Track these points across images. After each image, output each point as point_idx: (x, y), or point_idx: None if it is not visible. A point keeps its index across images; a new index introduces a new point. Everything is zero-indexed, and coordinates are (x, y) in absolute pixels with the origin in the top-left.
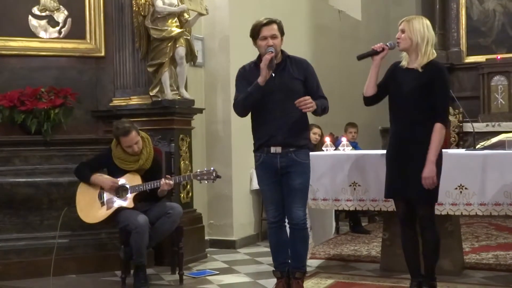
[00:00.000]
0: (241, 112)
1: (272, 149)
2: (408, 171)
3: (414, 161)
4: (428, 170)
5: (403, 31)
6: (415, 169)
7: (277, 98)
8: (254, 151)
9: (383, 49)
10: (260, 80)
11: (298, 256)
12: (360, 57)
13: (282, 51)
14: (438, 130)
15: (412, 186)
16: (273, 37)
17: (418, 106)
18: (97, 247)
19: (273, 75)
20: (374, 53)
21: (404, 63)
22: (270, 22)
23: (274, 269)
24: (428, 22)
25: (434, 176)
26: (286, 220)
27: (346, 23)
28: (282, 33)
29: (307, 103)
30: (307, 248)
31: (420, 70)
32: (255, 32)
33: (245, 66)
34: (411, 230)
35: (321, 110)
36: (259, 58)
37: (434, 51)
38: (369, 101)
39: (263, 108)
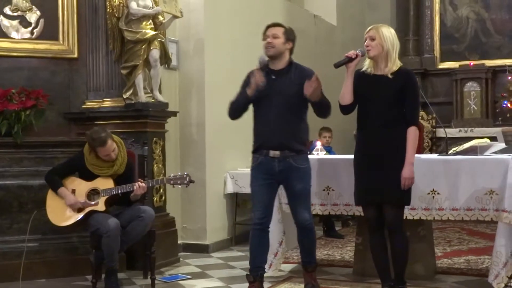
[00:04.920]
0: (231, 115)
1: (271, 153)
2: (382, 174)
3: (388, 164)
4: (408, 171)
5: (372, 39)
6: (389, 172)
7: (274, 102)
8: (253, 152)
9: (356, 56)
10: (248, 91)
11: (308, 252)
12: (337, 65)
13: (290, 58)
14: (413, 132)
15: (385, 189)
16: (274, 36)
17: (391, 111)
18: (68, 251)
19: (274, 77)
20: (348, 60)
21: (369, 70)
22: (274, 24)
23: (247, 273)
24: (393, 30)
25: (413, 176)
26: (270, 226)
27: (321, 28)
28: (288, 38)
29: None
30: (315, 245)
31: (390, 76)
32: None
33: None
34: (380, 235)
35: (320, 100)
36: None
37: (398, 59)
38: (347, 109)
39: (261, 111)
